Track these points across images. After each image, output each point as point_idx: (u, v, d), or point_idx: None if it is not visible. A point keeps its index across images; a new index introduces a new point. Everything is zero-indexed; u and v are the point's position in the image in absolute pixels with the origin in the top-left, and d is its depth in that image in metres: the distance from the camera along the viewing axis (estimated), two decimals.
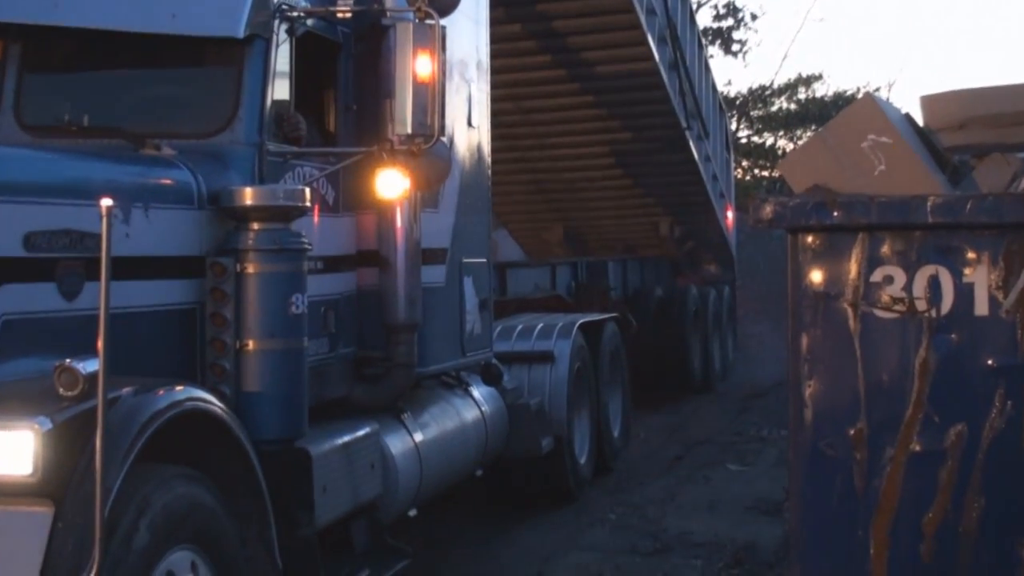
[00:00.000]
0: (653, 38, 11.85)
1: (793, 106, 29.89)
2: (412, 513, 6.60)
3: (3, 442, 3.84)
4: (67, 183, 4.69)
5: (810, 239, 4.24)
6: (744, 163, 28.75)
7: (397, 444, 6.32)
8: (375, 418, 6.17)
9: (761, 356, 16.24)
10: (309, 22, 5.78)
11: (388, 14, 5.96)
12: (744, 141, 29.30)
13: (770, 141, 29.98)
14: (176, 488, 4.28)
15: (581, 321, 9.54)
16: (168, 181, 5.11)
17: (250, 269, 5.06)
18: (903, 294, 4.14)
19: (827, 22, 56.00)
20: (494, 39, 7.95)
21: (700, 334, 14.77)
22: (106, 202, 3.83)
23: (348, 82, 6.17)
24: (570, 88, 12.34)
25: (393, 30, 5.67)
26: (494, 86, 8.00)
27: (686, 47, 13.10)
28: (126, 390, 4.18)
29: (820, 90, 30.08)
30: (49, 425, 3.87)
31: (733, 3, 28.58)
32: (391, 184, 5.85)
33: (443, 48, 5.72)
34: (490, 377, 7.96)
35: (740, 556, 7.30)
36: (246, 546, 4.70)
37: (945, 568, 4.13)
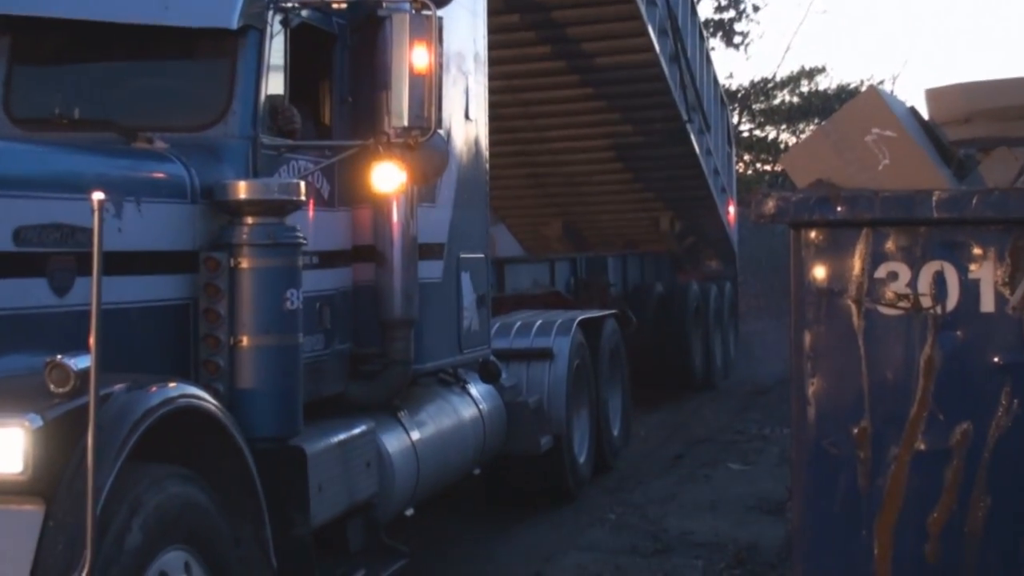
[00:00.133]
0: (654, 29, 11.84)
1: (796, 99, 29.88)
2: (409, 512, 6.61)
3: None
4: (58, 177, 4.68)
5: (813, 234, 4.24)
6: (746, 157, 28.75)
7: (393, 442, 6.33)
8: (371, 416, 6.17)
9: (763, 353, 16.24)
10: (304, 13, 5.78)
11: (384, 5, 5.95)
12: (746, 135, 29.30)
13: (772, 135, 29.99)
14: (169, 487, 4.27)
15: (580, 318, 9.54)
16: (161, 175, 5.11)
17: (244, 264, 5.06)
18: (907, 290, 4.15)
19: (830, 14, 56.00)
20: (492, 29, 7.95)
21: (701, 331, 14.77)
22: (98, 196, 3.82)
23: (343, 74, 6.17)
24: (569, 80, 12.34)
25: (389, 21, 5.67)
26: (492, 78, 7.99)
27: (687, 39, 13.10)
28: (118, 387, 4.17)
29: (823, 83, 30.10)
30: (40, 422, 3.87)
31: None
32: (387, 178, 5.84)
33: (440, 39, 5.72)
34: (488, 374, 7.96)
35: (742, 556, 7.31)
36: (240, 546, 4.70)
37: (950, 568, 4.13)
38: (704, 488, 9.32)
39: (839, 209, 4.17)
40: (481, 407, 7.70)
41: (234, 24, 5.39)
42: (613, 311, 10.78)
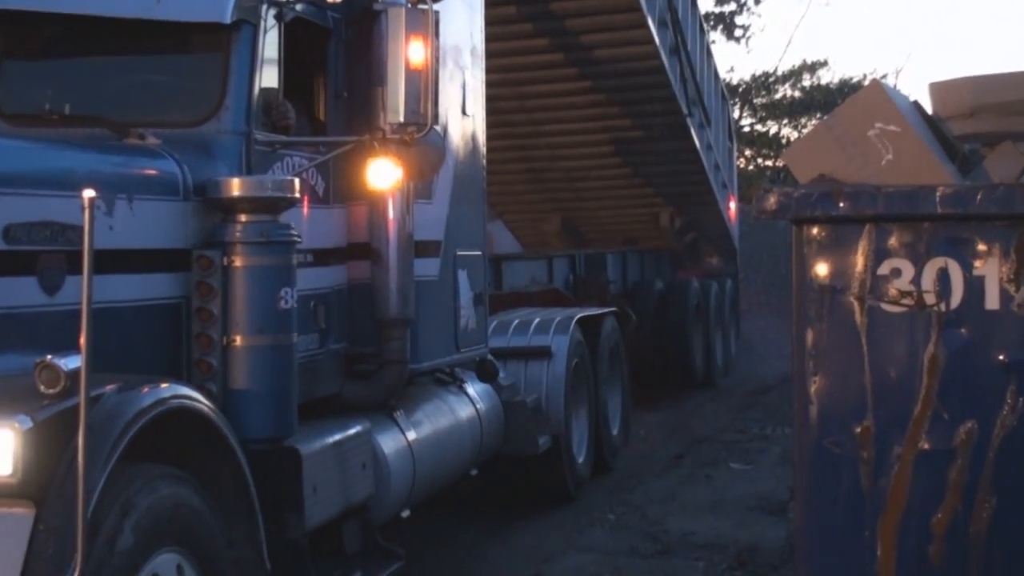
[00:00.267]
0: (653, 21, 11.84)
1: (798, 94, 29.89)
2: (405, 514, 6.61)
3: None
4: (48, 174, 4.68)
5: (815, 231, 4.24)
6: (747, 152, 28.77)
7: (389, 443, 6.32)
8: (367, 416, 6.17)
9: (765, 351, 16.25)
10: (298, 7, 5.78)
11: None
12: (747, 130, 29.31)
13: (774, 130, 30.00)
14: (161, 488, 4.27)
15: (579, 316, 9.54)
16: (153, 171, 5.10)
17: (237, 262, 5.05)
18: (911, 287, 4.15)
19: (832, 6, 56.06)
20: (489, 22, 7.94)
21: (702, 329, 14.78)
22: (88, 193, 3.82)
23: (338, 69, 6.16)
24: (568, 73, 12.33)
25: (385, 15, 5.67)
26: (489, 71, 7.99)
27: (687, 31, 13.10)
28: (109, 387, 4.17)
29: (825, 77, 30.10)
30: (30, 424, 3.86)
31: None
32: (383, 174, 5.84)
33: (436, 34, 5.72)
34: (485, 374, 7.96)
35: (743, 557, 7.31)
36: (234, 548, 4.70)
37: (955, 570, 4.13)
38: (705, 488, 9.33)
39: (841, 205, 4.17)
40: (478, 407, 7.70)
41: (227, 18, 5.39)
42: (612, 309, 10.78)
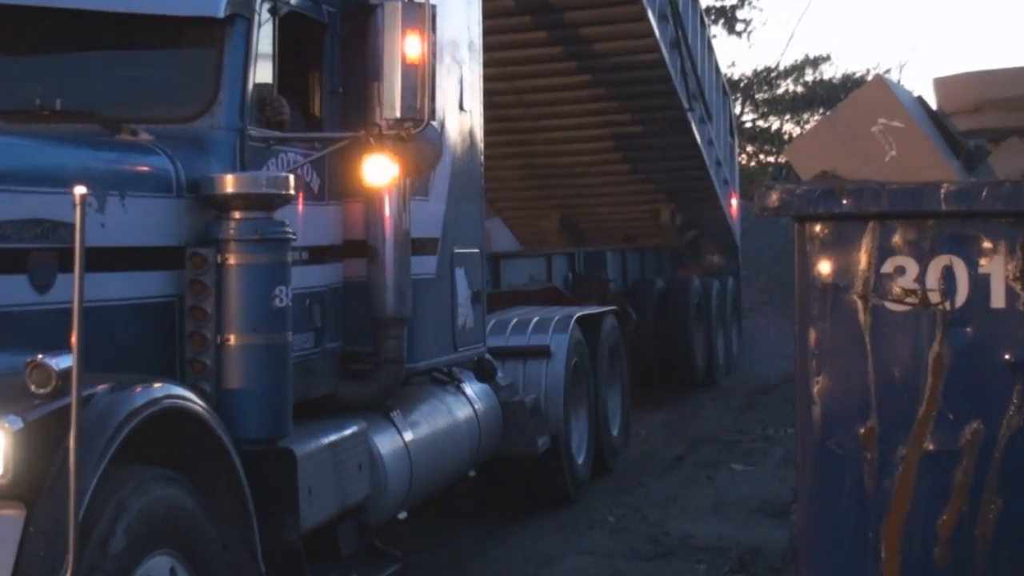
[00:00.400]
0: (654, 14, 11.84)
1: (800, 89, 29.90)
2: (402, 516, 6.61)
3: None
4: (39, 170, 4.68)
5: (818, 228, 4.24)
6: (749, 148, 28.77)
7: (386, 444, 6.33)
8: (363, 416, 6.17)
9: (767, 351, 16.25)
10: (293, 1, 5.77)
11: None
12: (749, 125, 29.32)
13: (776, 125, 30.03)
14: (154, 490, 4.27)
15: (578, 314, 9.54)
16: (145, 168, 5.10)
17: (231, 260, 5.06)
18: (916, 286, 4.15)
19: (835, 0, 55.98)
20: (487, 14, 7.94)
21: (703, 328, 14.78)
22: (80, 190, 3.82)
23: (334, 64, 6.17)
24: (567, 67, 12.33)
25: (381, 9, 5.67)
26: (487, 65, 7.99)
27: (688, 25, 13.10)
28: (101, 387, 4.17)
29: (828, 72, 30.13)
30: (20, 424, 3.86)
31: None
32: (379, 171, 5.84)
33: (433, 28, 5.72)
34: (483, 373, 7.96)
35: (745, 560, 7.32)
36: (228, 551, 4.70)
37: (960, 572, 4.14)
38: (706, 490, 9.33)
39: (845, 202, 4.17)
40: (476, 407, 7.71)
41: (221, 12, 5.39)
42: (612, 307, 10.78)
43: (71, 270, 3.81)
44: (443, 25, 6.70)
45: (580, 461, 9.22)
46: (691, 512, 8.61)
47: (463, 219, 7.41)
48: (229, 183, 5.10)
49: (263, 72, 5.57)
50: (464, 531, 8.17)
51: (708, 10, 26.43)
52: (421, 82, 5.54)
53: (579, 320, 9.44)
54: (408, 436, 6.60)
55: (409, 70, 5.51)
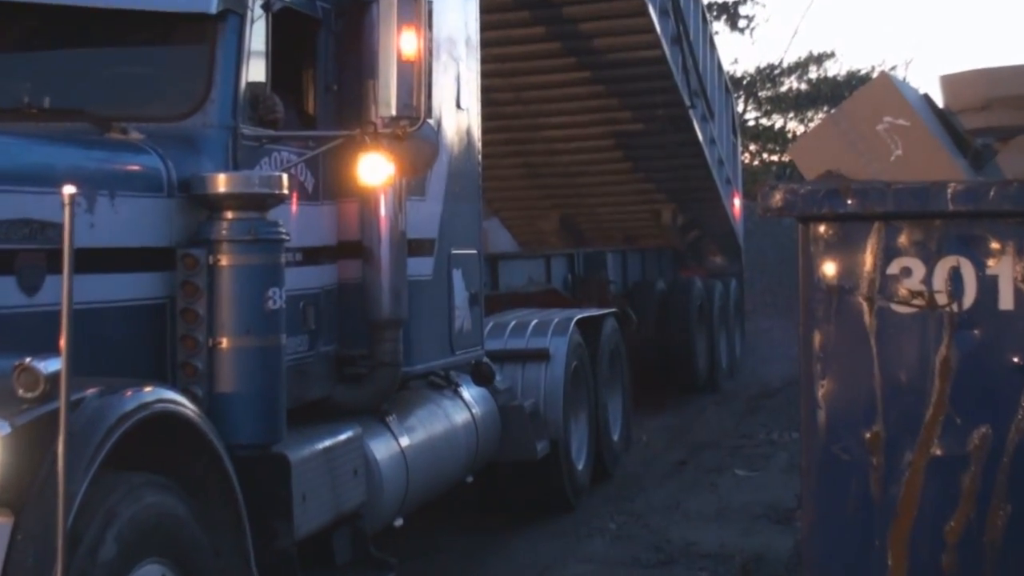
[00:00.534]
0: (654, 9, 11.84)
1: (804, 86, 29.92)
2: (398, 523, 6.61)
3: None
4: (27, 169, 4.67)
5: (823, 229, 4.25)
6: (752, 147, 28.78)
7: (382, 449, 6.33)
8: (358, 421, 6.17)
9: (771, 354, 16.27)
10: None
11: None
12: (752, 124, 29.33)
13: (779, 124, 30.03)
14: (145, 496, 4.27)
15: (578, 317, 9.54)
16: (135, 167, 5.10)
17: (223, 261, 5.05)
18: (922, 287, 4.16)
19: None
20: (484, 10, 7.94)
21: (705, 330, 14.79)
22: (69, 190, 3.81)
23: (328, 61, 6.16)
24: (566, 63, 12.34)
25: (376, 5, 5.66)
26: (484, 61, 7.99)
27: (689, 20, 13.11)
28: (91, 391, 4.17)
29: (832, 69, 30.16)
30: (8, 429, 3.86)
31: None
32: (374, 170, 5.84)
33: (429, 24, 5.73)
34: (481, 377, 7.96)
35: (749, 568, 7.32)
36: (220, 558, 4.70)
37: None
38: (709, 496, 9.33)
39: (850, 202, 4.18)
40: (474, 411, 7.71)
41: (213, 8, 5.39)
42: (613, 310, 10.79)
43: (60, 271, 3.81)
44: (439, 21, 6.71)
45: (580, 467, 9.22)
46: (693, 519, 8.61)
47: (460, 219, 7.41)
48: (221, 182, 5.10)
49: (256, 69, 5.56)
50: (461, 539, 8.17)
51: (710, 6, 26.44)
52: (417, 79, 5.54)
53: (579, 322, 9.44)
54: (404, 441, 6.60)
55: (405, 67, 5.51)
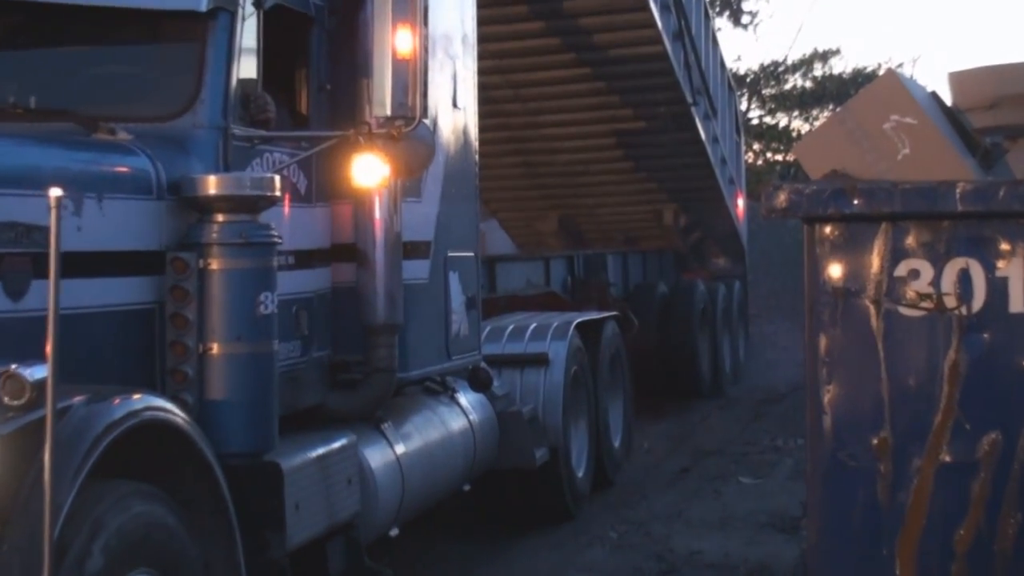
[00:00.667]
0: (655, 3, 11.84)
1: (809, 84, 29.95)
2: (393, 532, 6.61)
3: None
4: (12, 171, 4.67)
5: (828, 230, 4.25)
6: (755, 146, 28.79)
7: (377, 457, 6.33)
8: (352, 428, 6.17)
9: (775, 358, 16.27)
10: None
11: None
12: (755, 122, 29.35)
13: (784, 122, 30.05)
14: (133, 506, 4.27)
15: (578, 320, 9.55)
16: (124, 169, 5.10)
17: (214, 265, 5.06)
18: (930, 290, 4.16)
19: None
20: (481, 4, 7.94)
21: (708, 334, 14.79)
22: (55, 192, 3.81)
23: (321, 59, 6.17)
24: (565, 59, 12.33)
25: (370, 2, 5.67)
26: (481, 58, 7.99)
27: (691, 15, 13.11)
28: (78, 399, 4.17)
29: (838, 66, 30.18)
30: None
31: None
32: (369, 171, 5.84)
33: (425, 21, 5.72)
34: (478, 382, 7.96)
35: None
36: (210, 570, 4.70)
37: None
38: (712, 504, 9.34)
39: (856, 202, 4.18)
40: (471, 418, 7.71)
41: (203, 6, 5.39)
42: (613, 313, 10.79)
43: (46, 276, 3.81)
44: (435, 18, 6.71)
45: (580, 474, 9.22)
46: (696, 527, 8.61)
47: (457, 221, 7.41)
48: (212, 184, 5.11)
49: (247, 68, 5.57)
50: (458, 548, 8.17)
51: (712, 1, 26.47)
52: (412, 78, 5.54)
53: (578, 326, 9.44)
54: (400, 449, 6.60)
55: (400, 65, 5.51)
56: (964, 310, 4.13)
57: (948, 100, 5.53)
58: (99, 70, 5.70)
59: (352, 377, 6.31)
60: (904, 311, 4.18)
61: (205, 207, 5.12)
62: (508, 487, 8.52)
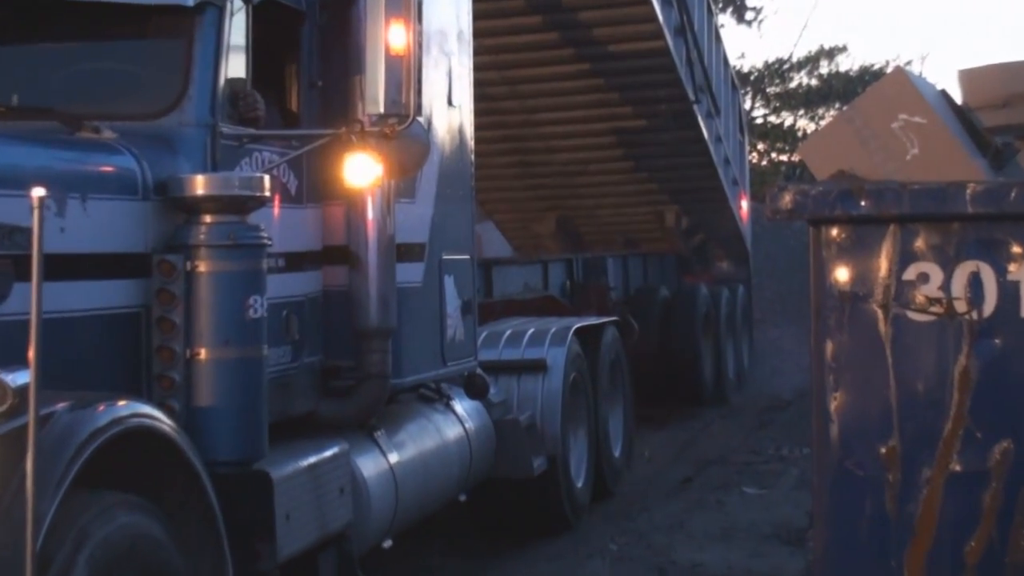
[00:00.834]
0: None
1: (815, 82, 29.99)
2: (387, 544, 6.61)
3: None
4: None
5: (835, 232, 4.26)
6: (760, 146, 28.84)
7: (370, 466, 6.33)
8: (345, 436, 6.18)
9: (780, 364, 16.27)
10: None
11: None
12: (760, 121, 29.38)
13: (789, 121, 30.09)
14: (118, 517, 4.27)
15: (577, 325, 9.56)
16: (109, 168, 5.11)
17: (202, 268, 5.06)
18: (940, 294, 4.16)
19: None
20: None
21: (711, 340, 14.80)
22: (38, 192, 3.82)
23: (312, 56, 6.17)
24: (564, 54, 12.33)
25: None
26: (477, 53, 8.00)
27: (694, 10, 13.12)
28: (61, 405, 4.17)
29: (845, 64, 30.22)
30: None
31: None
32: (361, 171, 5.85)
33: (419, 17, 5.73)
34: (475, 389, 7.97)
35: None
36: None
37: None
38: (715, 515, 9.34)
39: (863, 204, 4.19)
40: (467, 426, 7.71)
41: (190, 0, 5.40)
42: (613, 318, 10.80)
43: (28, 279, 3.81)
44: (430, 13, 6.71)
45: (579, 484, 9.23)
46: (699, 539, 8.61)
47: (452, 223, 7.42)
48: (199, 184, 5.11)
49: (236, 65, 5.57)
50: (454, 560, 8.17)
51: None
52: (406, 75, 5.54)
53: (577, 332, 9.45)
54: (393, 458, 6.60)
55: (393, 62, 5.51)
56: (975, 315, 4.14)
57: (958, 98, 5.54)
58: (83, 67, 5.70)
59: (344, 383, 6.31)
60: (913, 316, 4.19)
61: (192, 208, 5.12)
62: (505, 497, 8.52)
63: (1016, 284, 4.12)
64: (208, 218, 5.11)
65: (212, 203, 5.11)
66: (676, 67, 12.53)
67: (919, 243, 4.19)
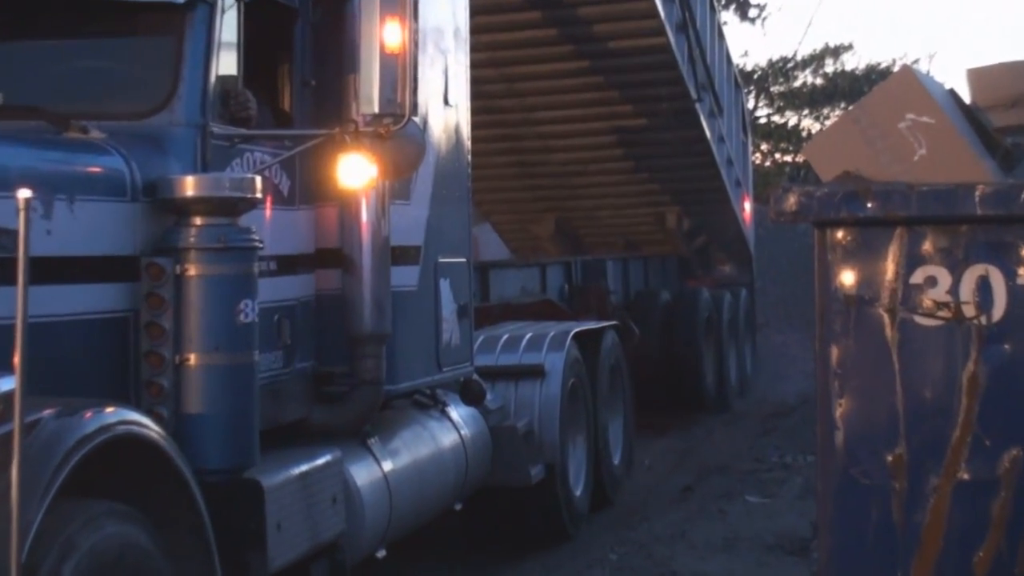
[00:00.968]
0: None
1: (819, 81, 30.01)
2: (381, 554, 6.61)
3: None
4: None
5: (840, 235, 4.26)
6: (763, 146, 28.86)
7: (363, 474, 6.33)
8: (337, 444, 6.18)
9: (784, 370, 16.29)
10: None
11: None
12: (763, 121, 29.41)
13: (793, 121, 30.11)
14: (105, 526, 4.27)
15: (576, 330, 9.56)
16: (97, 169, 5.11)
17: (191, 271, 5.06)
18: (948, 298, 4.17)
19: None
20: None
21: (713, 344, 14.81)
22: (24, 193, 3.81)
23: (306, 54, 6.18)
24: (562, 51, 12.34)
25: None
26: (474, 50, 8.01)
27: (696, 7, 13.13)
28: (47, 412, 4.17)
29: (850, 62, 30.26)
30: None
31: None
32: (355, 172, 5.85)
33: (415, 14, 5.74)
34: (471, 395, 7.97)
35: None
36: None
37: None
38: (717, 524, 9.34)
39: (870, 205, 4.19)
40: (463, 433, 7.71)
41: None
42: (613, 322, 10.81)
43: (13, 282, 3.81)
44: (426, 10, 6.72)
45: (578, 493, 9.23)
46: (700, 549, 8.61)
47: (448, 225, 7.42)
48: (189, 185, 5.11)
49: (227, 63, 5.58)
50: (449, 571, 8.17)
51: None
52: (402, 73, 5.55)
53: (576, 336, 9.46)
54: (387, 466, 6.60)
55: (388, 61, 5.52)
56: (983, 319, 4.15)
57: (967, 98, 5.54)
58: (71, 65, 5.70)
59: (337, 390, 6.31)
60: (920, 320, 4.20)
61: (182, 209, 5.12)
62: (501, 506, 8.52)
63: None
64: (198, 220, 5.11)
65: (202, 205, 5.11)
66: (678, 65, 12.54)
67: (927, 246, 4.19)
